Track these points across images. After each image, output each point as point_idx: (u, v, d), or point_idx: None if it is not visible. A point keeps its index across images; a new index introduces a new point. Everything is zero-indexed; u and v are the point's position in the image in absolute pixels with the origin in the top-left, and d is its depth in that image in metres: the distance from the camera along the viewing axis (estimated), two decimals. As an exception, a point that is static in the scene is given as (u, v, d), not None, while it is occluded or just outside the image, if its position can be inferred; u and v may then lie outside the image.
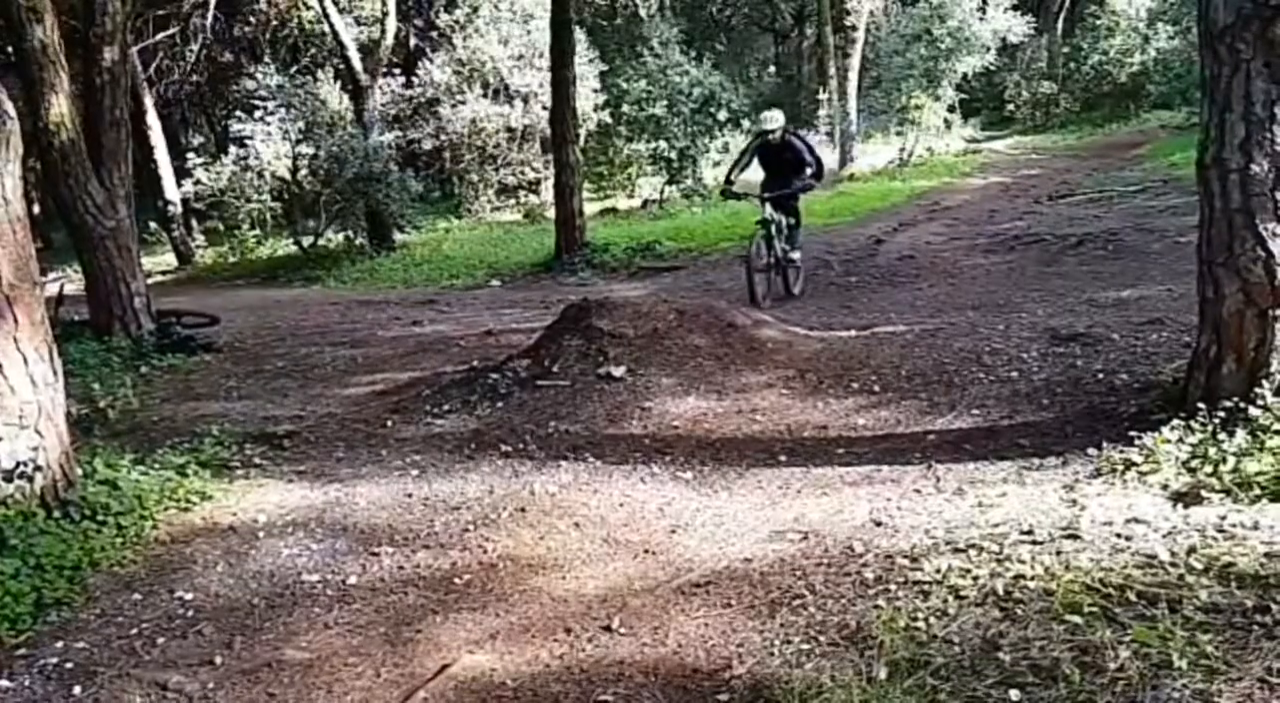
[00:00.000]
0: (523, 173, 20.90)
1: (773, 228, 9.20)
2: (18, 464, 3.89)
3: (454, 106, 20.21)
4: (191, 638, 3.34)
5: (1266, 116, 3.73)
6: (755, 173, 9.76)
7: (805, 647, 2.85)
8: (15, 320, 3.89)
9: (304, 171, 16.86)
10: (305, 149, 16.77)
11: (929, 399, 5.06)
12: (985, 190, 16.32)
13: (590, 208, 16.37)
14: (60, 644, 3.33)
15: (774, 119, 9.34)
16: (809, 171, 9.23)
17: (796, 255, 9.72)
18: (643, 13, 24.68)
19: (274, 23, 21.29)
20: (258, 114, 16.85)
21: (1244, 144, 3.78)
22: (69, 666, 3.20)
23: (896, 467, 4.28)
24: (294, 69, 19.47)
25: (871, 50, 23.42)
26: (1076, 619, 2.70)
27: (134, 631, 3.41)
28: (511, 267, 14.41)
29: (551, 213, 15.41)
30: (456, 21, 20.86)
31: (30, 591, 3.55)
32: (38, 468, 3.96)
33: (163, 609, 3.56)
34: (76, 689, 3.07)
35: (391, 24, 18.51)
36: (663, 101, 19.49)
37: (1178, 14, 23.92)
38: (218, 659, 3.18)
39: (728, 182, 9.66)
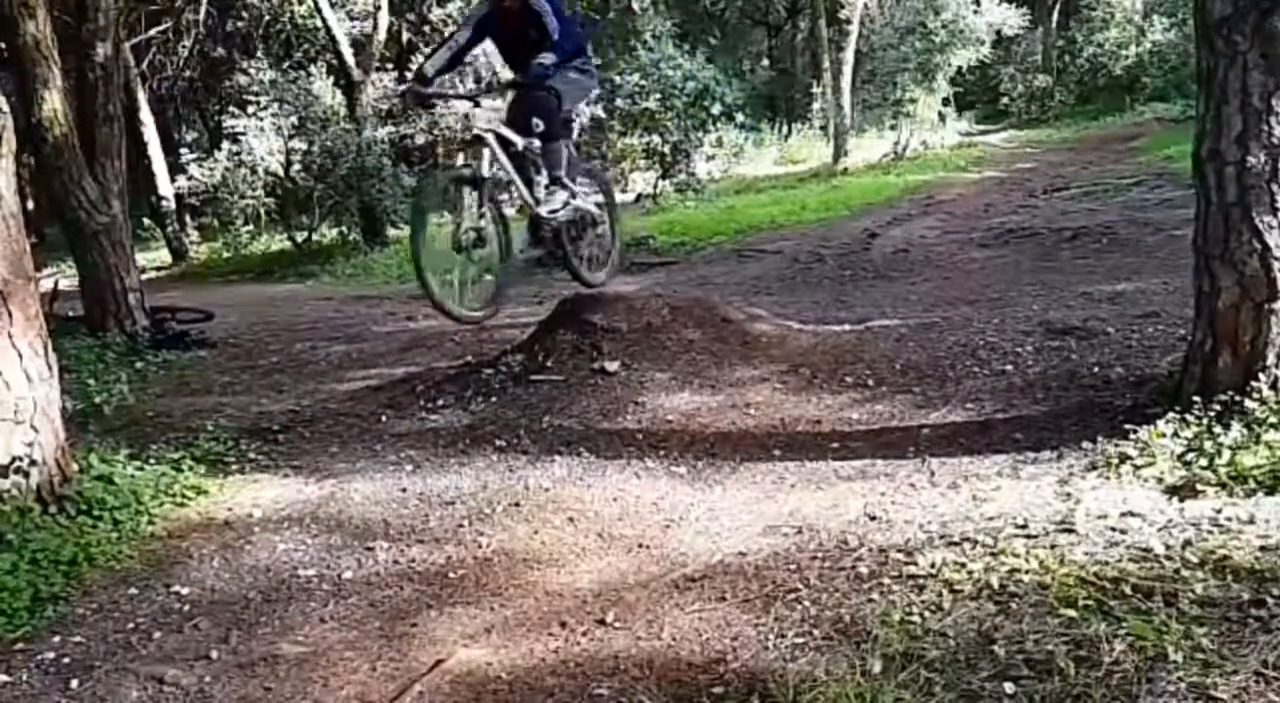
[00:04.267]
0: (516, 168, 20.81)
1: (493, 147, 5.20)
2: (13, 460, 3.89)
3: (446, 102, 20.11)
4: (188, 633, 3.34)
5: (1263, 109, 3.72)
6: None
7: (800, 641, 2.86)
8: (10, 316, 3.89)
9: (297, 167, 16.80)
10: (298, 145, 16.69)
11: (923, 393, 5.06)
12: (980, 184, 16.28)
13: (584, 203, 16.28)
14: (57, 639, 3.33)
15: None
16: (552, 46, 5.19)
17: (561, 199, 5.57)
18: (636, 6, 24.59)
19: (266, 18, 21.15)
20: (251, 109, 16.76)
21: (1241, 137, 3.77)
22: (66, 660, 3.20)
23: (890, 461, 4.28)
24: (286, 64, 19.31)
25: (865, 44, 23.34)
26: (1071, 613, 2.71)
27: (130, 625, 3.41)
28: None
29: (545, 208, 15.34)
30: (449, 15, 20.78)
31: (27, 586, 3.55)
32: (33, 463, 3.96)
33: (159, 604, 3.56)
34: (74, 684, 3.07)
35: (384, 18, 18.40)
36: (656, 95, 19.40)
37: (1174, 6, 23.86)
38: (214, 654, 3.18)
39: (418, 77, 5.56)
